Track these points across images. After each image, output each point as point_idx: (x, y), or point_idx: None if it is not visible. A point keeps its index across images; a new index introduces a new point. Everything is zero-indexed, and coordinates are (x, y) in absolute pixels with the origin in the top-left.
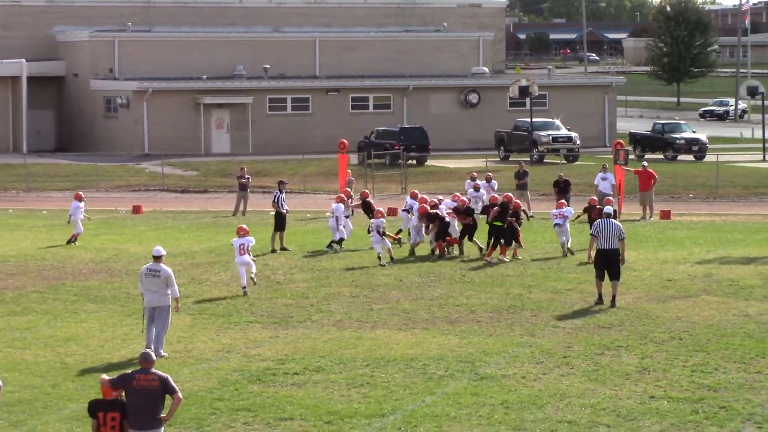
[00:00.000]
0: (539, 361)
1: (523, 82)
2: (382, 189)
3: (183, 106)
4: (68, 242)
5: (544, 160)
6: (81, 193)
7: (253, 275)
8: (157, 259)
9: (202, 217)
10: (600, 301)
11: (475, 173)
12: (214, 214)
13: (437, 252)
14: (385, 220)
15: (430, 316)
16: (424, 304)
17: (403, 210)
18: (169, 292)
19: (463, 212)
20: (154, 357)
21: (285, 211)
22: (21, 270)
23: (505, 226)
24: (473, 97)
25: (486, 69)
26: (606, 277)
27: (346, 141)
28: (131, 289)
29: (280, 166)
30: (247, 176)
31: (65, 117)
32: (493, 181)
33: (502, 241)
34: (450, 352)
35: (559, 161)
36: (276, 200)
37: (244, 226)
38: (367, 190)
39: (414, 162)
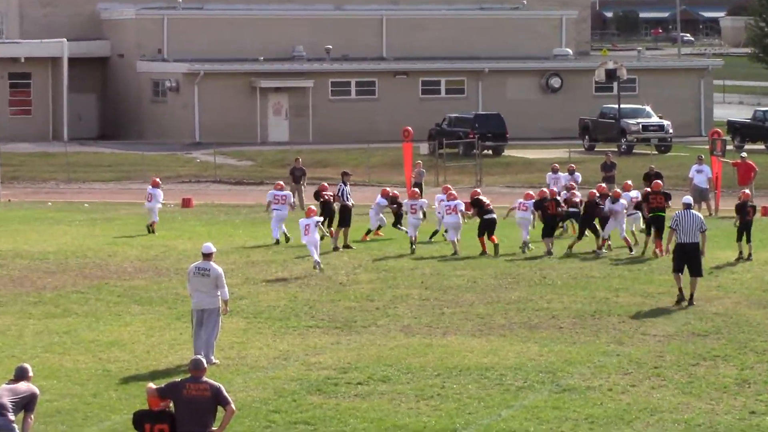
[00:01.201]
0: (627, 372)
1: (610, 65)
2: (454, 182)
3: (237, 91)
4: (149, 231)
5: (633, 151)
6: (158, 179)
7: (317, 259)
8: (207, 256)
9: (257, 211)
10: (681, 296)
11: (556, 165)
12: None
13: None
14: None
15: (507, 322)
16: (501, 308)
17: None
18: (218, 293)
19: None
20: (205, 364)
21: (350, 205)
22: (61, 268)
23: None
24: (555, 82)
25: (569, 50)
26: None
27: (410, 128)
28: (180, 290)
29: (342, 156)
30: (301, 167)
31: (109, 102)
32: (576, 173)
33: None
34: (529, 361)
35: (649, 152)
36: (340, 193)
37: (313, 207)
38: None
39: (490, 152)
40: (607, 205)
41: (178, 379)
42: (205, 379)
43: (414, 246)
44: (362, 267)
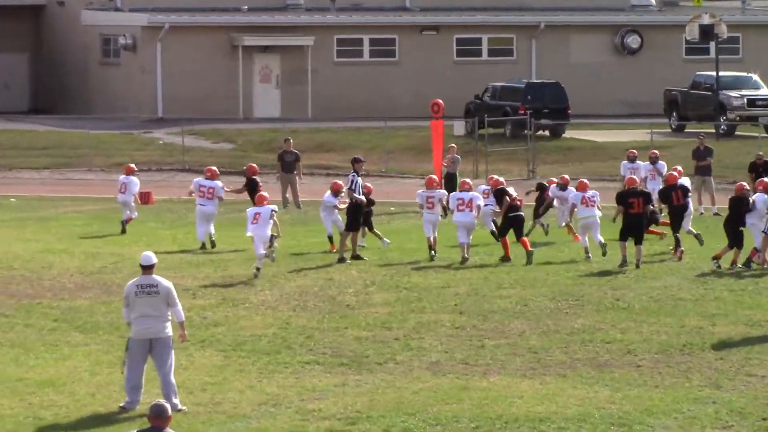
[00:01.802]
0: (727, 426)
1: (706, 20)
2: (499, 172)
3: (213, 50)
4: (123, 229)
5: (736, 133)
6: (132, 165)
7: (272, 250)
8: (148, 269)
9: (239, 209)
10: None
11: (634, 150)
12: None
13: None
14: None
15: (568, 358)
16: (560, 339)
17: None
18: (170, 314)
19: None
20: (170, 411)
21: (364, 202)
22: None
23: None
24: (633, 41)
25: (652, 0)
26: None
27: (441, 102)
28: None
29: (351, 138)
30: (293, 150)
31: (44, 64)
32: (659, 162)
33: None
34: (597, 410)
35: (757, 134)
36: (352, 185)
37: (265, 194)
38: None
39: (546, 133)
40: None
41: (134, 431)
42: (169, 430)
43: (434, 252)
44: (376, 284)
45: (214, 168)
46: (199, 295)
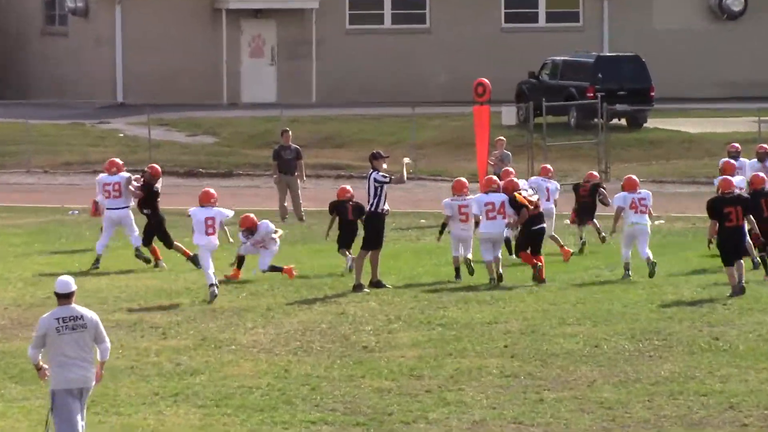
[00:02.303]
0: None
1: None
2: (563, 172)
3: (189, 15)
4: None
5: None
6: (117, 160)
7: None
8: (67, 297)
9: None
10: None
11: (736, 144)
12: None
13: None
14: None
15: (652, 415)
16: (642, 391)
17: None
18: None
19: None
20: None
21: (384, 212)
22: None
23: None
24: (734, 2)
25: None
26: None
27: (486, 81)
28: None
29: (369, 129)
30: (293, 147)
31: None
32: None
33: None
34: None
35: None
36: (374, 183)
37: (212, 190)
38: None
39: (623, 122)
40: None
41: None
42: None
43: (470, 268)
44: (402, 319)
45: (116, 160)
46: (171, 334)
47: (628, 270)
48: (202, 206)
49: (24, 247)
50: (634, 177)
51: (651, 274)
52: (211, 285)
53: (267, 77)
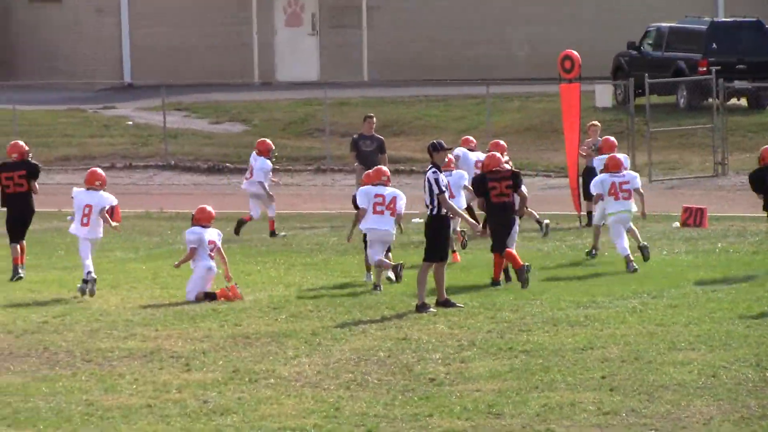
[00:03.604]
0: None
1: None
2: (668, 163)
3: None
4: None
5: None
6: (100, 173)
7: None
8: None
9: (259, 230)
10: None
11: None
12: (289, 223)
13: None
14: None
15: None
16: None
17: None
18: None
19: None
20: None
21: (445, 215)
22: None
23: None
24: None
25: None
26: None
27: (575, 54)
28: (97, 396)
29: (434, 113)
30: (376, 136)
31: None
32: None
33: None
34: None
35: None
36: (436, 187)
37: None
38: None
39: (743, 102)
40: None
41: None
42: None
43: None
44: (477, 345)
45: (97, 171)
46: (195, 365)
47: (631, 261)
48: (90, 185)
49: (9, 261)
50: (618, 156)
51: (631, 269)
52: (84, 284)
53: (307, 50)
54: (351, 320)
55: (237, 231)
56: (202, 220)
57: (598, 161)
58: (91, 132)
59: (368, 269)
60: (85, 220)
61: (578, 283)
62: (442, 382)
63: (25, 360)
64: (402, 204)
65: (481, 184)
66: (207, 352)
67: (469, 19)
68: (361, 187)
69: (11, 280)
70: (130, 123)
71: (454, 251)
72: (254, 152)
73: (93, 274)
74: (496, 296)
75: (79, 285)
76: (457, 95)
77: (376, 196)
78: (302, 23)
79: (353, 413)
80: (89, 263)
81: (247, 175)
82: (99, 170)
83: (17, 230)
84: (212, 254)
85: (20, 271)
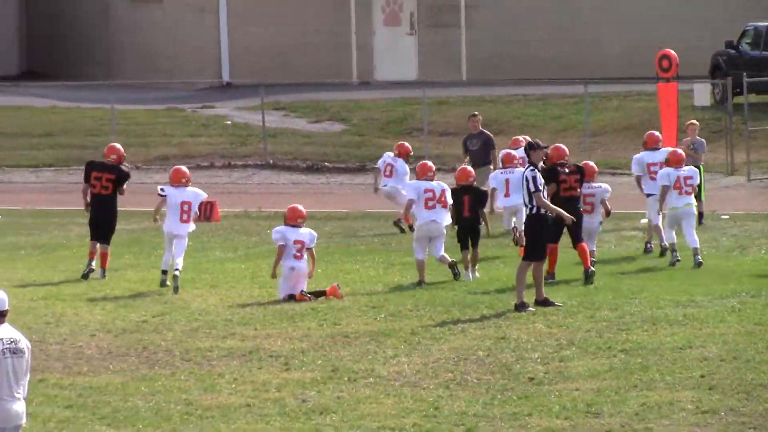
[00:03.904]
0: None
1: None
2: (764, 164)
3: None
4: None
5: None
6: (185, 170)
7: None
8: (1, 316)
9: (371, 228)
10: None
11: None
12: (389, 222)
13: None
14: None
15: None
16: None
17: None
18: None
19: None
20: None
21: (543, 213)
22: None
23: None
24: None
25: None
26: None
27: (672, 52)
28: (194, 395)
29: (532, 112)
30: (484, 133)
31: (41, 5)
32: None
33: None
34: None
35: None
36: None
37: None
38: None
39: None
40: None
41: None
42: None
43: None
44: (576, 345)
45: (182, 169)
46: (294, 364)
47: (675, 252)
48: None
49: (112, 260)
50: (678, 150)
51: (669, 260)
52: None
53: (405, 50)
54: (450, 319)
55: (402, 230)
56: (290, 219)
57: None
58: (190, 131)
59: (466, 267)
60: (185, 217)
61: (677, 282)
62: (541, 381)
63: (124, 359)
64: (448, 195)
65: (551, 175)
66: (306, 351)
67: (566, 19)
68: (410, 182)
69: (83, 275)
70: (229, 122)
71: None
72: (391, 153)
73: (178, 272)
74: (594, 295)
75: (162, 277)
76: (555, 94)
77: (426, 191)
78: (400, 22)
79: (452, 412)
80: (180, 261)
81: (387, 173)
82: (183, 168)
83: (97, 231)
84: (299, 254)
85: (93, 264)
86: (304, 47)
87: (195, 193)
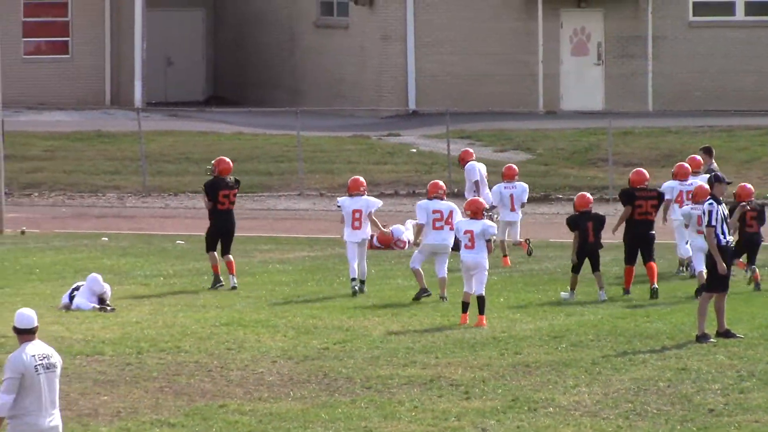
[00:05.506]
0: None
1: None
2: None
3: (495, 6)
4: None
5: None
6: (362, 180)
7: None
8: (31, 334)
9: (553, 257)
10: None
11: None
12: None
13: None
14: None
15: None
16: None
17: None
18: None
19: None
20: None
21: (726, 244)
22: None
23: None
24: None
25: None
26: None
27: None
28: (374, 423)
29: (719, 144)
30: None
31: (228, 28)
32: None
33: None
34: None
35: None
36: (711, 218)
37: (361, 179)
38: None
39: None
40: None
41: None
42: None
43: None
44: (757, 376)
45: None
46: (475, 393)
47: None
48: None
49: (294, 287)
50: (685, 164)
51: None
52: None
53: (592, 80)
54: (631, 350)
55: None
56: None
57: None
58: (375, 159)
59: (572, 287)
60: (356, 224)
61: None
62: (720, 413)
63: (304, 386)
64: (456, 216)
65: (628, 198)
66: (487, 380)
67: (754, 50)
68: (419, 203)
69: (213, 287)
70: (414, 150)
71: (505, 255)
72: None
73: (356, 277)
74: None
75: (352, 285)
76: (742, 126)
77: (434, 212)
78: (588, 53)
79: None
80: (356, 266)
81: None
82: (361, 177)
83: (222, 243)
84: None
85: (233, 280)
86: (490, 76)
87: (367, 202)
